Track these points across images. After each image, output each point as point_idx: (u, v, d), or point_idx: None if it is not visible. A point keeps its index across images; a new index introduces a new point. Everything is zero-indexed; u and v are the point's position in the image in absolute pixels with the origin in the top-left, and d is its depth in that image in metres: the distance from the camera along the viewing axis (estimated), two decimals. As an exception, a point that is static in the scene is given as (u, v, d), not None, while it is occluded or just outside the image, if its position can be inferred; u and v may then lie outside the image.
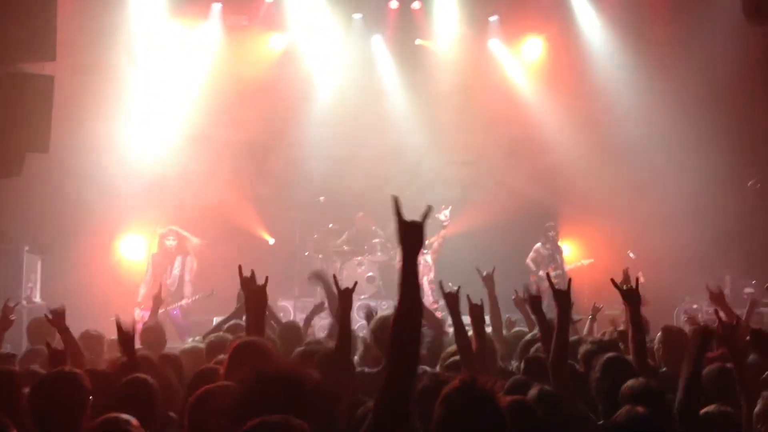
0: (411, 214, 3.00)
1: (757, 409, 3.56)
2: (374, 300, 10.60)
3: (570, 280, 4.58)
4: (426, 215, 2.91)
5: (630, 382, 3.77)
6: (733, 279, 10.55)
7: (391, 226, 12.54)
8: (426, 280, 10.30)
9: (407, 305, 2.82)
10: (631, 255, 9.71)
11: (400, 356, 2.77)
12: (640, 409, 3.28)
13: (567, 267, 11.54)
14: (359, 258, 11.70)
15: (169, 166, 11.33)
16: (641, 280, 8.49)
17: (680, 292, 10.68)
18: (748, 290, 10.07)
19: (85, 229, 11.03)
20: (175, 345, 6.16)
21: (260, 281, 5.86)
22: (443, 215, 10.83)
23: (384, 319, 4.77)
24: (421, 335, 2.83)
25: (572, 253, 12.31)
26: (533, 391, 3.57)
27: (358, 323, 8.26)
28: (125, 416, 3.12)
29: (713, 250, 11.03)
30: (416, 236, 2.85)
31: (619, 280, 4.80)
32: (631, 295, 4.56)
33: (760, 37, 9.78)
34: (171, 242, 10.73)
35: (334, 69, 12.70)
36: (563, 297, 4.25)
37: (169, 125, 11.39)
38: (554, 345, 4.13)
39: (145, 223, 11.55)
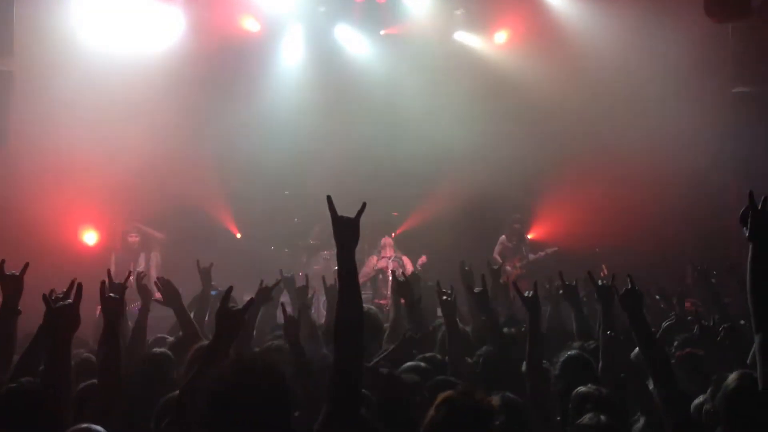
0: (370, 209, 3.04)
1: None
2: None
3: (536, 283, 4.53)
4: (360, 212, 3.02)
5: (582, 389, 3.70)
6: (693, 269, 10.68)
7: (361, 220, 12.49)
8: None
9: (346, 299, 2.91)
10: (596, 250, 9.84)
11: (343, 348, 2.87)
12: (603, 417, 3.27)
13: (532, 257, 11.64)
14: (326, 252, 11.66)
15: (132, 159, 11.15)
16: (604, 272, 8.58)
17: (643, 283, 10.79)
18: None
19: (45, 224, 10.84)
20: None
21: (224, 276, 5.87)
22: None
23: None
24: (362, 327, 2.91)
25: (537, 242, 12.36)
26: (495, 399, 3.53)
27: (324, 317, 8.22)
28: (96, 427, 3.05)
29: (676, 239, 11.21)
30: (351, 232, 2.96)
31: (584, 267, 4.76)
32: (604, 293, 4.39)
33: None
34: (133, 239, 10.61)
35: (298, 61, 12.63)
36: (532, 303, 4.24)
37: (133, 117, 11.18)
38: (528, 351, 4.13)
39: (108, 218, 11.38)
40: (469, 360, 4.68)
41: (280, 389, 2.58)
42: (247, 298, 6.44)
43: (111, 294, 3.77)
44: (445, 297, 4.86)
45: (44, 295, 3.55)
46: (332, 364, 2.92)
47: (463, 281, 6.42)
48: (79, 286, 3.48)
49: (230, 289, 3.34)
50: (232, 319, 3.11)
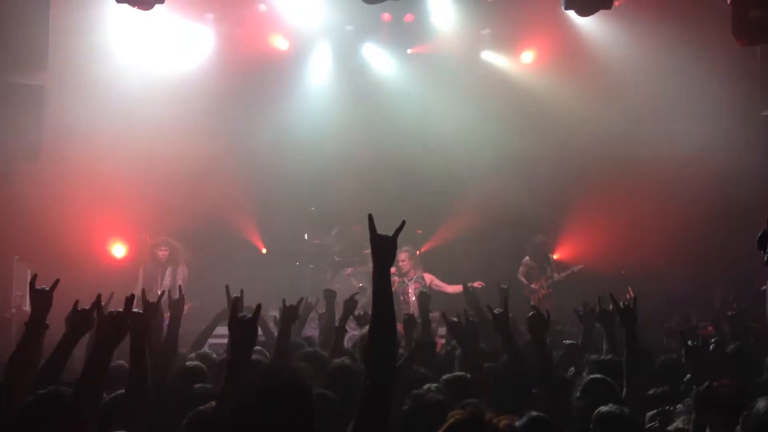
0: (394, 226, 3.06)
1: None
2: (365, 310, 10.55)
3: (548, 312, 4.57)
4: (399, 230, 3.03)
5: (604, 409, 3.70)
6: (722, 291, 10.57)
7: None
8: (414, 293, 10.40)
9: (381, 317, 2.89)
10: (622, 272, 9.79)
11: (375, 368, 2.84)
12: None
13: (558, 276, 11.58)
14: (350, 269, 11.70)
15: (162, 174, 11.32)
16: (630, 294, 8.52)
17: (670, 304, 10.69)
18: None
19: (76, 237, 11.01)
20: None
21: (249, 291, 5.91)
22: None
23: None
24: (396, 347, 2.91)
25: (563, 261, 12.28)
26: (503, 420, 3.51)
27: (349, 334, 8.25)
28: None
29: (704, 261, 11.10)
30: (389, 250, 2.95)
31: (609, 287, 4.74)
32: (626, 315, 4.42)
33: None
34: (163, 252, 10.74)
35: (325, 79, 12.73)
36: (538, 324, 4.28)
37: (163, 133, 11.33)
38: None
39: (137, 231, 11.51)
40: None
41: (305, 401, 2.60)
42: (271, 313, 6.45)
43: (138, 311, 3.82)
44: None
45: (98, 303, 3.59)
46: (363, 381, 2.89)
47: (468, 305, 6.44)
48: (130, 298, 3.59)
49: (237, 299, 3.35)
50: (244, 328, 3.14)
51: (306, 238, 12.35)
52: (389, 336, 2.88)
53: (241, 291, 5.69)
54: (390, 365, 2.86)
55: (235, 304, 3.25)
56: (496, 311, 4.90)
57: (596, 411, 3.69)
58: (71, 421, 3.14)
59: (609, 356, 4.78)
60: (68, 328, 3.93)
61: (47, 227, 10.48)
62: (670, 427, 3.76)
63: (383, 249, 2.94)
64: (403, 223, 3.06)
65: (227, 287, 5.84)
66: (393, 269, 10.70)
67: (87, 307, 4.00)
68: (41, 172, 9.82)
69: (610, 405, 3.69)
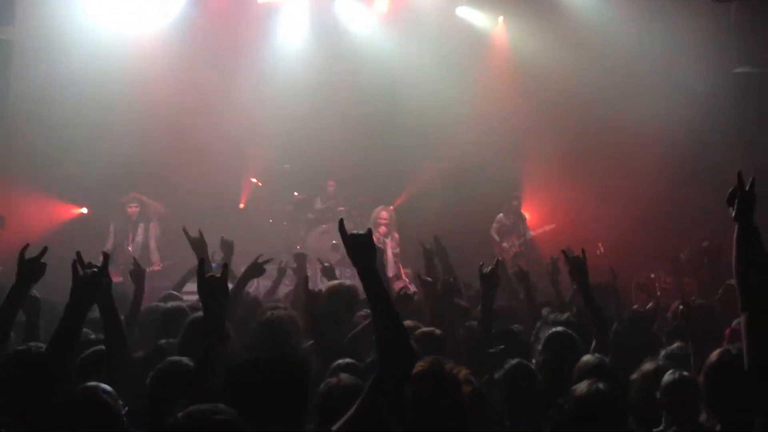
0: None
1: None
2: (338, 267, 10.58)
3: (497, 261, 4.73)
4: (369, 231, 2.90)
5: (585, 358, 3.79)
6: (690, 248, 10.72)
7: (357, 190, 12.70)
8: (392, 252, 10.43)
9: (384, 319, 2.77)
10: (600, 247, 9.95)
11: (391, 366, 2.70)
12: (601, 385, 3.26)
13: (530, 234, 11.69)
14: (324, 226, 11.68)
15: (133, 130, 11.20)
16: (600, 250, 8.69)
17: (639, 261, 10.85)
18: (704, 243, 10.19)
19: (46, 195, 10.91)
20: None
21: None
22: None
23: (335, 288, 5.00)
24: (407, 335, 2.78)
25: (535, 219, 12.38)
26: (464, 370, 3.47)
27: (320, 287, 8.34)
28: (103, 386, 3.12)
29: (672, 221, 11.25)
30: (365, 247, 2.82)
31: (581, 246, 4.77)
32: (576, 266, 4.46)
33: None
34: (133, 209, 10.67)
35: (298, 35, 12.59)
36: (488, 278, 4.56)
37: (133, 89, 11.18)
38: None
39: (107, 188, 11.40)
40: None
41: (302, 377, 2.68)
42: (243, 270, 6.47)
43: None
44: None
45: (76, 261, 3.52)
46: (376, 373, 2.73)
47: (438, 261, 6.52)
48: (106, 256, 3.56)
49: (202, 260, 3.22)
50: (215, 289, 3.05)
51: (295, 194, 12.25)
52: (398, 330, 2.74)
53: (200, 231, 5.62)
54: (407, 369, 2.72)
55: (202, 265, 3.09)
56: (486, 269, 4.84)
57: (578, 363, 3.76)
58: (44, 377, 3.17)
59: (565, 315, 4.87)
60: (16, 278, 3.86)
61: (17, 184, 10.36)
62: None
63: (359, 249, 2.81)
64: (370, 231, 2.90)
65: (184, 228, 5.74)
66: (383, 230, 10.70)
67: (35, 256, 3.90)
68: (8, 127, 9.69)
69: (594, 354, 3.79)
